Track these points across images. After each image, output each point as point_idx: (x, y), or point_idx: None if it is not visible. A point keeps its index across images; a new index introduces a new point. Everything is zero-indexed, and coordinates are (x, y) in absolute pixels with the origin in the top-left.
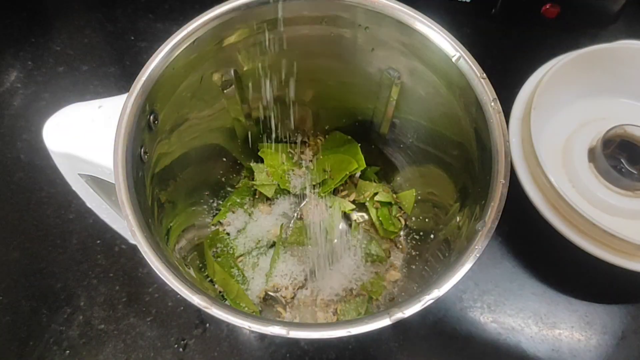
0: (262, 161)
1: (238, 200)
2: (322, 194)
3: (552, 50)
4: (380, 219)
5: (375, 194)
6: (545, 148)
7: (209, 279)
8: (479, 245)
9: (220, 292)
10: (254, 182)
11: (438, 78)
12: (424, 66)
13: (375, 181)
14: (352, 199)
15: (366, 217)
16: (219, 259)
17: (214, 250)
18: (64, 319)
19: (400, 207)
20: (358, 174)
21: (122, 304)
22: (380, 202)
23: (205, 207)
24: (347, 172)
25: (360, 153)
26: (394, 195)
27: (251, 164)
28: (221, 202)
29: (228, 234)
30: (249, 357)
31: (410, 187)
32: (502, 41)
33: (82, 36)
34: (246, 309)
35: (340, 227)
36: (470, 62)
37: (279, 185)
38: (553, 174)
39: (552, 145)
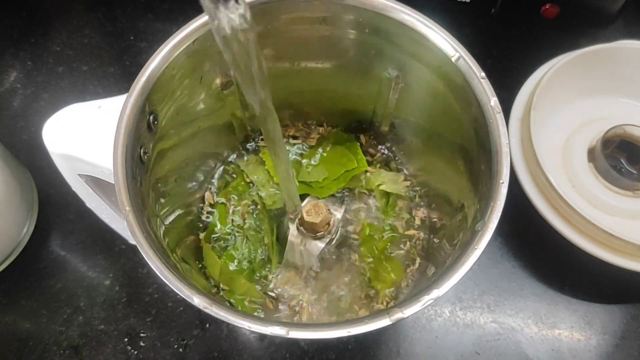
0: (261, 162)
1: (238, 200)
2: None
3: (551, 50)
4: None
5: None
6: (545, 148)
7: (208, 278)
8: (479, 245)
9: (220, 288)
10: (259, 191)
11: (438, 78)
12: (423, 66)
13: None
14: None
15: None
16: (221, 259)
17: (215, 248)
18: (63, 319)
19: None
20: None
21: (122, 304)
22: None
23: (205, 207)
24: (345, 169)
25: (361, 153)
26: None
27: (253, 178)
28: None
29: (229, 233)
30: (249, 357)
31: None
32: (502, 41)
33: (81, 36)
34: (256, 304)
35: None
36: (470, 62)
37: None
38: (553, 174)
39: (552, 145)
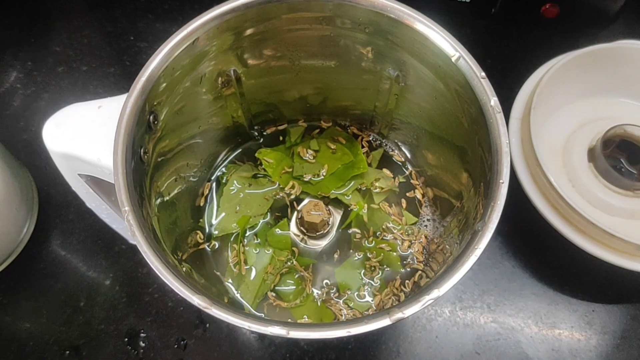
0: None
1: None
2: (320, 194)
3: (551, 50)
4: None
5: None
6: (545, 148)
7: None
8: (479, 245)
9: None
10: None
11: (438, 78)
12: (424, 66)
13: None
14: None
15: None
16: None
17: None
18: (63, 319)
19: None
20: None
21: (122, 304)
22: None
23: (206, 206)
24: (342, 162)
25: (362, 154)
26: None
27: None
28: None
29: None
30: (249, 357)
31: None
32: (502, 41)
33: (81, 36)
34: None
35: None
36: (470, 62)
37: (279, 184)
38: (553, 174)
39: (552, 145)
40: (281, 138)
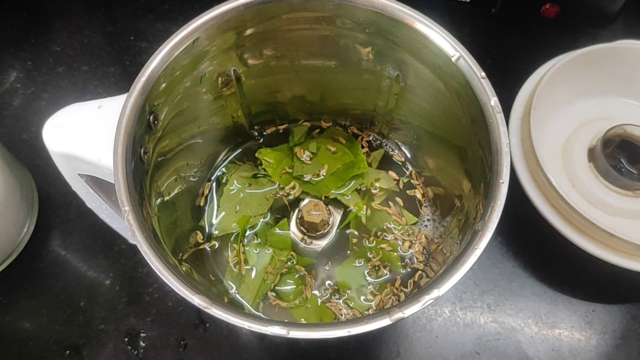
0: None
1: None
2: (320, 194)
3: (552, 50)
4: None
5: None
6: (545, 148)
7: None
8: (479, 245)
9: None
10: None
11: (438, 78)
12: (424, 66)
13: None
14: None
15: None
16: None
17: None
18: (64, 319)
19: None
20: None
21: (122, 304)
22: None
23: (206, 206)
24: (342, 162)
25: (362, 154)
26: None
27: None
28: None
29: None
30: (249, 357)
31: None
32: (502, 41)
33: (81, 36)
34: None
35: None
36: (470, 62)
37: (279, 184)
38: (553, 174)
39: (552, 145)
40: (281, 131)
